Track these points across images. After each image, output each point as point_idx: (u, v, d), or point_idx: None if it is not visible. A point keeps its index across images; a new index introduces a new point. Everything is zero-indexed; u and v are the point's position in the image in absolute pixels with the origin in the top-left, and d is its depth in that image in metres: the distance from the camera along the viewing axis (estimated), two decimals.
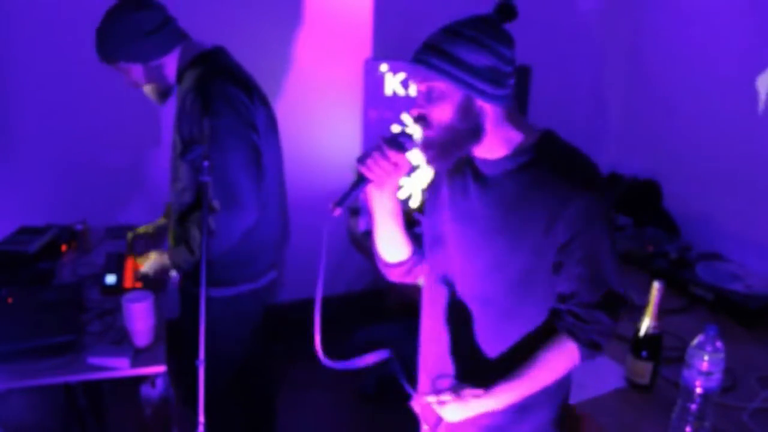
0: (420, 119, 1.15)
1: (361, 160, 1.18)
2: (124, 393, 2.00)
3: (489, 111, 1.13)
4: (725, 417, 1.43)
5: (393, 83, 2.66)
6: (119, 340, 1.68)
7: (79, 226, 2.30)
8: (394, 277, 1.40)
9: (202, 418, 1.55)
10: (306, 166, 3.13)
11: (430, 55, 1.11)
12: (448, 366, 1.30)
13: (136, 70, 1.82)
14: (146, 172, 2.92)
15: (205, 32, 2.54)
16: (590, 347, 1.17)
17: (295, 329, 3.23)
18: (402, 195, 2.79)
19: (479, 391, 1.16)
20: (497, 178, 1.18)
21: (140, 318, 1.65)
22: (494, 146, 1.17)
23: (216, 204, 1.72)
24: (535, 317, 1.20)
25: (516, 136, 1.17)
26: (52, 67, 2.65)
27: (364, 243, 2.77)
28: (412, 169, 2.75)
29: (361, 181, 1.18)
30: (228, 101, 1.73)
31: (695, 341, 1.31)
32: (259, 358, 2.23)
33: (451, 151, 1.15)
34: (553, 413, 1.30)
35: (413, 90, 1.19)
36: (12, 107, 2.65)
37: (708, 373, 1.29)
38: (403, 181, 2.77)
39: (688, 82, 2.86)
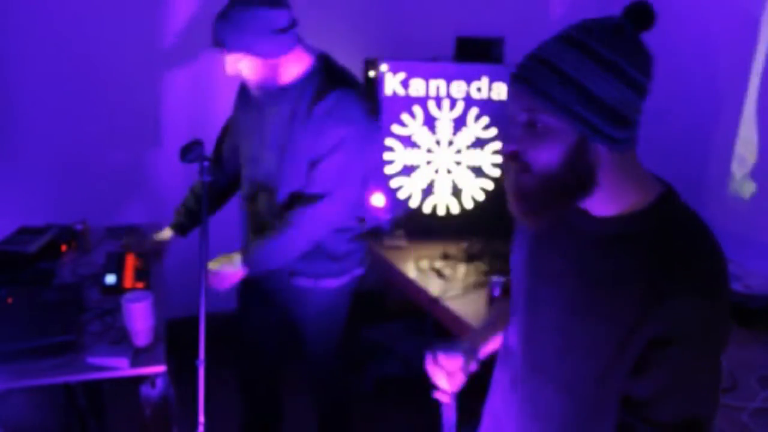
0: (514, 158, 0.89)
1: (431, 389, 1.15)
2: (124, 393, 2.00)
3: (607, 158, 0.87)
4: (725, 417, 1.43)
5: (393, 83, 2.66)
6: (119, 340, 1.68)
7: (79, 226, 2.30)
8: None
9: (202, 418, 1.55)
10: None
11: (545, 75, 0.83)
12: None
13: (253, 63, 1.79)
14: (146, 172, 2.92)
15: (202, 33, 2.54)
16: None
17: None
18: (402, 195, 2.79)
19: None
20: (593, 241, 0.94)
21: (140, 318, 1.64)
22: (604, 202, 0.91)
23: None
24: (606, 418, 0.97)
25: (630, 194, 0.91)
26: (53, 68, 2.65)
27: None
28: (412, 168, 2.75)
29: (448, 409, 1.20)
30: (356, 110, 1.80)
31: None
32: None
33: (550, 206, 0.90)
34: None
35: (507, 109, 0.92)
36: (12, 107, 2.65)
37: None
38: (404, 180, 2.77)
39: (687, 81, 2.86)
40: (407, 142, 2.71)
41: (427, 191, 2.78)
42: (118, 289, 1.93)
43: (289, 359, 2.36)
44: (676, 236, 0.89)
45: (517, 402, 1.10)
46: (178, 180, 2.73)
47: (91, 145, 2.79)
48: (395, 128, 2.69)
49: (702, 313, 0.86)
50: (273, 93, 1.85)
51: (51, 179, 2.76)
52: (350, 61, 3.07)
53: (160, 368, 1.63)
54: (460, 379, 1.18)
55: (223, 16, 1.76)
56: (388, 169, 2.73)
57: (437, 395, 1.19)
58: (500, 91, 2.73)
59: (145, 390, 1.70)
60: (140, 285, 1.94)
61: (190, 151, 1.81)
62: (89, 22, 2.58)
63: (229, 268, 1.88)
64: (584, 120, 0.83)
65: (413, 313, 2.99)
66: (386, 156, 2.71)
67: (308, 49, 1.87)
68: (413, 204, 2.78)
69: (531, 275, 1.05)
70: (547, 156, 0.86)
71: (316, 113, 1.78)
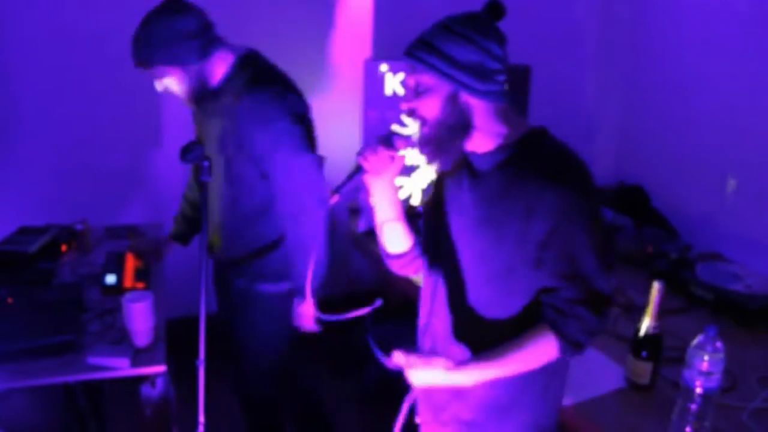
0: (410, 113, 1.19)
1: (361, 151, 1.26)
2: (124, 393, 2.00)
3: (476, 106, 1.15)
4: (725, 417, 1.43)
5: (393, 83, 2.65)
6: (119, 340, 1.68)
7: (79, 226, 2.30)
8: (395, 268, 1.44)
9: (202, 418, 1.56)
10: None
11: (420, 49, 1.14)
12: (440, 354, 1.32)
13: (174, 73, 1.80)
14: (146, 172, 2.92)
15: None
16: (570, 344, 1.16)
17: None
18: (402, 194, 2.79)
19: (450, 363, 1.18)
20: (486, 172, 1.20)
21: (140, 318, 1.65)
22: (483, 141, 1.19)
23: (308, 205, 1.81)
24: (519, 311, 1.21)
25: (505, 132, 1.18)
26: (53, 68, 2.65)
27: (364, 243, 2.77)
28: (412, 168, 2.75)
29: (358, 170, 1.27)
30: (286, 105, 1.78)
31: (695, 341, 1.32)
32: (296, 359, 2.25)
33: (444, 147, 1.18)
34: (538, 417, 1.29)
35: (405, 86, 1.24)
36: (12, 107, 2.65)
37: (708, 373, 1.29)
38: (404, 180, 2.77)
39: (687, 81, 2.86)
40: (407, 142, 2.71)
41: (428, 191, 2.78)
42: (118, 289, 1.93)
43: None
44: (546, 150, 1.17)
45: (442, 318, 1.33)
46: (178, 180, 2.73)
47: (91, 145, 2.79)
48: (395, 128, 2.69)
49: (569, 201, 1.11)
50: (206, 98, 1.85)
51: (51, 179, 2.76)
52: (350, 61, 3.09)
53: (160, 368, 1.63)
54: (384, 165, 1.27)
55: (135, 36, 1.77)
56: None
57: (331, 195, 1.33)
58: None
59: (145, 390, 1.70)
60: (140, 285, 1.94)
61: (190, 151, 1.80)
62: (90, 22, 2.58)
63: (302, 309, 1.92)
64: (450, 76, 1.12)
65: (413, 313, 2.99)
66: None
67: (232, 49, 1.85)
68: (413, 204, 2.78)
69: (443, 215, 1.29)
70: (429, 107, 1.15)
71: (240, 114, 1.77)
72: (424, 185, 1.43)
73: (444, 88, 1.13)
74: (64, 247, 2.26)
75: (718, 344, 1.29)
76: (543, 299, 1.18)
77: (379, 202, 1.33)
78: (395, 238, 1.37)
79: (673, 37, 2.94)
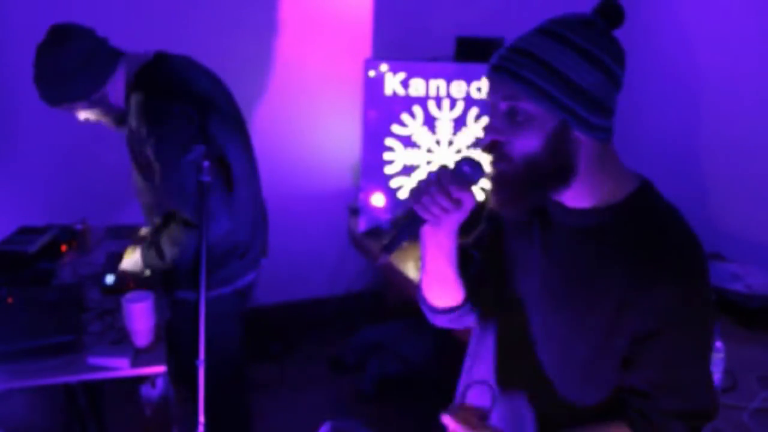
0: (494, 148, 0.89)
1: (416, 195, 0.91)
2: (124, 393, 2.00)
3: (586, 145, 0.88)
4: (725, 417, 1.43)
5: (393, 83, 2.65)
6: (119, 340, 1.68)
7: (79, 226, 2.30)
8: (440, 323, 1.18)
9: (202, 418, 1.55)
10: (305, 166, 3.13)
11: (522, 63, 0.84)
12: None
13: (82, 107, 1.76)
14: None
15: (203, 32, 2.55)
16: None
17: (294, 329, 3.24)
18: (402, 195, 2.79)
19: None
20: (570, 232, 0.95)
21: (140, 318, 1.64)
22: (580, 192, 0.92)
23: (192, 220, 1.69)
24: (597, 407, 0.98)
25: (607, 184, 0.91)
26: None
27: (364, 243, 2.77)
28: (413, 168, 2.75)
29: (415, 222, 0.94)
30: (168, 120, 1.67)
31: None
32: (237, 360, 2.21)
33: (529, 194, 0.90)
34: None
35: (486, 99, 0.91)
36: (12, 107, 2.65)
37: None
38: (403, 180, 2.77)
39: (687, 82, 2.86)
40: (407, 142, 2.71)
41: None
42: (118, 289, 1.93)
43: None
44: (651, 227, 0.90)
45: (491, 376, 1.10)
46: None
47: (91, 145, 2.78)
48: (395, 128, 2.69)
49: (683, 303, 0.87)
50: (123, 115, 1.79)
51: (51, 179, 2.76)
52: (350, 61, 3.09)
53: (160, 368, 1.62)
54: (446, 210, 0.93)
55: (33, 80, 1.70)
56: (388, 169, 2.73)
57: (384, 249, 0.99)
58: None
59: (145, 390, 1.70)
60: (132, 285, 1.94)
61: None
62: (90, 22, 2.57)
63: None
64: (564, 105, 0.84)
65: (413, 313, 2.99)
66: (386, 156, 2.71)
67: (131, 61, 1.76)
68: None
69: (510, 264, 1.06)
70: (529, 143, 0.86)
71: (133, 130, 1.74)
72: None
73: (551, 119, 0.85)
74: (64, 247, 2.26)
75: (718, 344, 1.29)
76: (629, 400, 0.95)
77: (434, 253, 1.03)
78: (446, 292, 1.09)
79: (672, 36, 2.94)
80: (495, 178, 0.91)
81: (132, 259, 1.93)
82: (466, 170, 0.90)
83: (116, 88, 1.75)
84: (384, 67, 2.65)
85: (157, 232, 1.84)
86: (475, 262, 1.12)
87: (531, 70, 0.84)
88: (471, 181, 0.91)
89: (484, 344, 1.15)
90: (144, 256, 1.87)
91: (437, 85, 2.68)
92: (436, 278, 1.08)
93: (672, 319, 0.88)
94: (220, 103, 1.86)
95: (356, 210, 2.86)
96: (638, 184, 0.94)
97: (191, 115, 1.69)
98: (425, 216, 0.92)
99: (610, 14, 0.87)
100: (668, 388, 0.92)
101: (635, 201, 0.92)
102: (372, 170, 2.71)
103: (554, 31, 0.86)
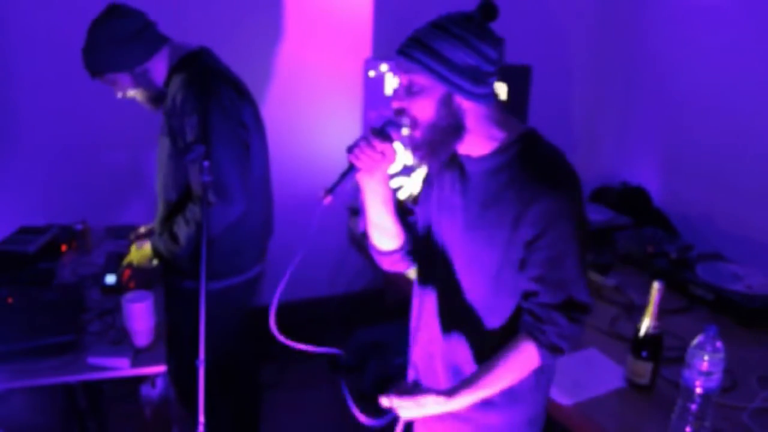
0: (400, 112, 1.17)
1: (350, 149, 1.21)
2: (124, 393, 2.00)
3: (469, 109, 1.14)
4: (725, 417, 1.43)
5: (393, 83, 2.65)
6: (119, 340, 1.68)
7: (79, 226, 2.30)
8: (386, 265, 1.43)
9: (202, 418, 1.55)
10: (305, 165, 3.13)
11: (414, 48, 1.12)
12: (435, 356, 1.35)
13: (124, 79, 1.84)
14: (146, 172, 2.92)
15: (204, 32, 2.54)
16: (549, 349, 1.17)
17: (294, 329, 3.23)
18: (402, 195, 2.79)
19: (440, 399, 1.15)
20: (478, 175, 1.21)
21: (140, 318, 1.65)
22: (477, 144, 1.19)
23: (212, 198, 1.75)
24: (510, 313, 1.22)
25: (498, 135, 1.18)
26: (53, 67, 2.65)
27: (364, 243, 2.76)
28: (411, 168, 2.75)
29: (350, 169, 1.22)
30: (217, 99, 1.77)
31: (695, 341, 1.31)
32: (245, 356, 2.23)
33: (437, 149, 1.17)
34: (530, 409, 1.31)
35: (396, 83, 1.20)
36: (13, 107, 2.65)
37: (708, 373, 1.29)
38: (403, 180, 2.77)
39: (688, 82, 2.86)
40: (407, 142, 2.71)
41: (422, 190, 2.78)
42: (118, 289, 1.93)
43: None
44: (534, 158, 1.16)
45: (433, 319, 1.33)
46: None
47: (91, 145, 2.79)
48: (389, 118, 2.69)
49: (559, 209, 1.12)
50: (161, 99, 1.89)
51: (51, 179, 2.76)
52: (350, 61, 3.09)
53: (160, 368, 1.62)
54: (376, 161, 1.20)
55: (82, 51, 1.80)
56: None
57: (324, 195, 1.26)
58: (500, 91, 2.73)
59: (145, 390, 1.70)
60: (132, 285, 1.94)
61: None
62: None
63: None
64: (445, 78, 1.10)
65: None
66: None
67: (177, 48, 1.88)
68: (401, 199, 2.78)
69: (435, 212, 1.30)
70: (422, 108, 1.14)
71: (175, 111, 1.79)
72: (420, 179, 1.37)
73: (438, 89, 1.12)
74: (64, 247, 2.26)
75: (718, 344, 1.29)
76: (522, 304, 1.20)
77: (371, 199, 1.30)
78: (387, 235, 1.36)
79: (672, 36, 2.94)
80: (411, 142, 1.18)
81: (142, 252, 1.96)
82: (387, 129, 1.18)
83: (160, 67, 1.86)
84: (384, 67, 2.65)
85: (168, 218, 1.87)
86: (411, 213, 1.40)
87: (420, 52, 1.11)
88: (390, 138, 1.18)
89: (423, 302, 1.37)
90: (155, 243, 1.91)
91: None
92: (376, 222, 1.34)
93: (550, 224, 1.12)
94: (251, 97, 1.98)
95: (356, 210, 2.86)
96: (524, 130, 1.20)
97: (232, 97, 1.81)
98: (358, 164, 1.20)
99: (487, 11, 1.12)
100: (548, 282, 1.15)
101: (522, 141, 1.18)
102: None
103: (440, 23, 1.12)
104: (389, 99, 2.85)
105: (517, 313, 1.22)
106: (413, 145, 1.19)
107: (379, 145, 1.18)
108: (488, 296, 1.22)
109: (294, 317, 3.35)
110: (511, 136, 1.19)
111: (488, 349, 1.23)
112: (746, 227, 2.54)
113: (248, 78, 2.05)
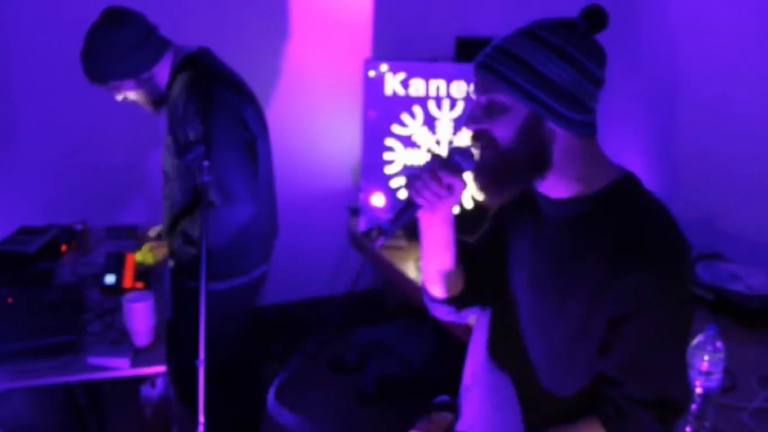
0: (476, 137, 0.97)
1: (410, 181, 0.98)
2: (124, 393, 2.00)
3: (561, 137, 0.93)
4: (725, 417, 1.43)
5: (393, 83, 2.65)
6: (119, 340, 1.68)
7: (79, 226, 2.31)
8: (440, 314, 1.21)
9: (202, 418, 1.55)
10: (306, 166, 3.13)
11: (498, 60, 0.92)
12: (484, 411, 1.16)
13: (129, 86, 1.84)
14: (146, 172, 2.92)
15: (204, 33, 2.54)
16: None
17: (294, 329, 3.24)
18: (402, 195, 2.79)
19: None
20: (555, 223, 1.00)
21: (140, 318, 1.64)
22: (560, 183, 0.97)
23: (215, 201, 1.74)
24: (577, 391, 1.01)
25: (588, 176, 0.96)
26: (53, 67, 2.65)
27: (364, 243, 2.77)
28: (413, 168, 2.75)
29: (410, 206, 1.00)
30: (219, 101, 1.76)
31: (695, 341, 1.31)
32: (248, 356, 2.24)
33: (506, 180, 0.96)
34: None
35: (471, 95, 1.03)
36: (13, 107, 2.65)
37: (708, 373, 1.29)
38: (403, 180, 2.76)
39: (689, 82, 2.86)
40: (407, 142, 2.71)
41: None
42: (118, 289, 1.93)
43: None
44: (630, 214, 0.93)
45: (490, 381, 1.13)
46: None
47: (91, 145, 2.79)
48: (395, 128, 2.69)
49: (657, 288, 0.89)
50: (163, 102, 1.89)
51: (51, 179, 2.76)
52: (350, 61, 3.09)
53: (160, 368, 1.62)
54: (440, 196, 0.99)
55: (83, 56, 1.79)
56: (388, 169, 2.73)
57: (384, 223, 1.09)
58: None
59: (145, 390, 1.70)
60: (140, 285, 1.94)
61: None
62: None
63: None
64: (534, 97, 0.90)
65: (413, 313, 2.99)
66: (386, 156, 2.71)
67: (178, 50, 1.88)
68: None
69: (508, 260, 1.12)
70: (503, 132, 0.93)
71: (178, 113, 1.78)
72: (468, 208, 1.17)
73: (524, 109, 0.92)
74: (64, 247, 2.26)
75: (718, 344, 1.29)
76: (601, 390, 0.97)
77: (431, 240, 1.09)
78: (445, 282, 1.14)
79: (671, 35, 2.94)
80: (478, 164, 0.98)
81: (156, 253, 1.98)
82: (456, 158, 0.97)
83: (163, 71, 1.85)
84: (384, 67, 2.65)
85: (180, 217, 1.87)
86: (474, 257, 1.16)
87: (504, 64, 0.91)
88: (460, 169, 0.97)
89: (477, 335, 1.19)
90: (169, 243, 1.90)
91: (437, 85, 2.68)
92: (434, 266, 1.12)
93: (645, 304, 0.90)
94: (253, 98, 1.97)
95: (356, 210, 2.86)
96: (621, 175, 0.98)
97: (234, 99, 1.80)
98: (419, 201, 0.98)
99: (593, 18, 0.92)
100: (637, 374, 0.93)
101: (616, 190, 0.96)
102: (372, 170, 2.71)
103: (531, 30, 0.93)
104: (389, 99, 2.86)
105: (584, 394, 1.00)
106: (477, 170, 0.98)
107: (447, 177, 0.96)
108: (557, 372, 1.02)
109: (294, 317, 3.36)
110: (603, 180, 0.96)
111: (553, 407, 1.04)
112: (746, 227, 2.54)
113: (248, 78, 2.05)
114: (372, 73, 2.67)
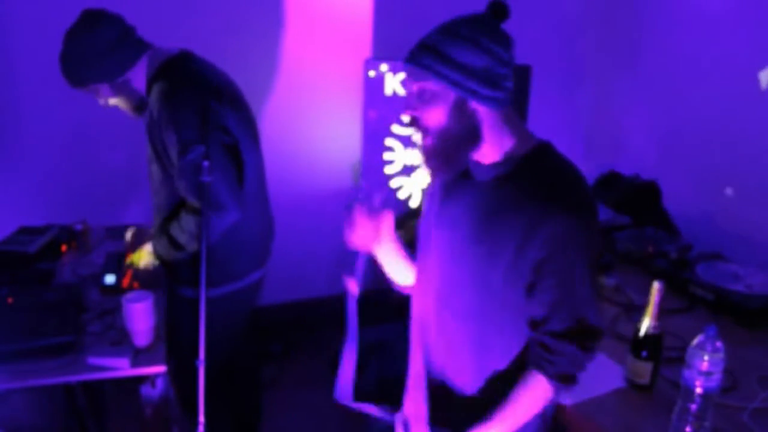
0: (413, 122, 1.12)
1: (347, 237, 1.23)
2: (124, 393, 2.00)
3: (484, 113, 1.09)
4: (725, 417, 1.43)
5: (393, 83, 2.65)
6: (119, 340, 1.68)
7: (79, 226, 2.30)
8: (407, 293, 1.44)
9: (202, 418, 1.56)
10: (306, 166, 3.13)
11: (423, 54, 1.07)
12: (422, 391, 1.31)
13: (104, 89, 1.81)
14: (146, 172, 2.92)
15: (204, 33, 2.55)
16: (561, 380, 1.12)
17: (294, 329, 3.24)
18: (402, 195, 2.79)
19: None
20: (484, 185, 1.14)
21: (140, 318, 1.64)
22: (487, 151, 1.13)
23: (195, 204, 1.71)
24: (513, 343, 1.17)
25: (509, 143, 1.12)
26: (53, 67, 2.64)
27: None
28: (412, 168, 2.75)
29: (357, 256, 1.24)
30: (193, 108, 1.72)
31: (695, 341, 1.31)
32: (246, 360, 2.22)
33: (451, 159, 1.11)
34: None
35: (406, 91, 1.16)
36: (13, 107, 2.65)
37: (708, 373, 1.29)
38: (404, 180, 2.77)
39: (689, 81, 2.86)
40: (407, 142, 2.72)
41: (426, 197, 2.78)
42: (117, 289, 1.93)
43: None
44: (549, 168, 1.10)
45: (431, 338, 1.28)
46: None
47: (91, 145, 2.79)
48: (395, 128, 2.69)
49: (569, 230, 1.05)
50: (144, 107, 1.85)
51: (51, 179, 2.76)
52: (350, 61, 3.09)
53: (160, 368, 1.62)
54: (374, 238, 1.28)
55: (60, 60, 1.78)
56: (388, 169, 2.73)
57: (349, 285, 1.37)
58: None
59: (145, 390, 1.70)
60: (137, 285, 1.94)
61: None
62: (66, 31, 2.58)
63: None
64: (456, 82, 1.05)
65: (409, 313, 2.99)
66: (386, 156, 2.71)
67: (158, 53, 1.83)
68: (413, 204, 2.78)
69: (436, 226, 1.24)
70: (435, 116, 1.08)
71: (153, 115, 1.76)
72: (424, 186, 1.35)
73: (450, 95, 1.06)
74: (64, 247, 2.26)
75: (718, 344, 1.29)
76: (530, 335, 1.14)
77: (384, 257, 1.35)
78: (402, 275, 1.40)
79: (672, 35, 2.94)
80: (423, 152, 1.13)
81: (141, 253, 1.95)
82: (353, 203, 1.19)
83: (140, 75, 1.82)
84: (384, 67, 2.65)
85: (167, 221, 1.86)
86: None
87: (429, 57, 1.06)
88: (367, 206, 1.21)
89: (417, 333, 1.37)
90: (155, 245, 1.89)
91: None
92: (392, 268, 1.38)
93: (561, 246, 1.05)
94: (237, 102, 1.91)
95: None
96: (538, 142, 1.14)
97: (210, 105, 1.75)
98: (357, 247, 1.25)
99: (497, 11, 1.08)
100: (558, 307, 1.08)
101: (537, 153, 1.12)
102: (372, 170, 2.71)
103: (447, 26, 1.08)
104: (389, 99, 2.87)
105: (518, 349, 1.17)
106: (425, 155, 1.13)
107: (362, 220, 1.22)
108: (492, 316, 1.15)
109: (294, 317, 3.36)
110: (524, 146, 1.12)
111: (492, 372, 1.18)
112: (746, 227, 2.54)
113: (248, 79, 2.05)
114: (372, 73, 2.67)
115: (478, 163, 1.15)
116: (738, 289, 1.97)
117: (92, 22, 1.75)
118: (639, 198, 2.83)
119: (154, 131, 1.77)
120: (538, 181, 1.08)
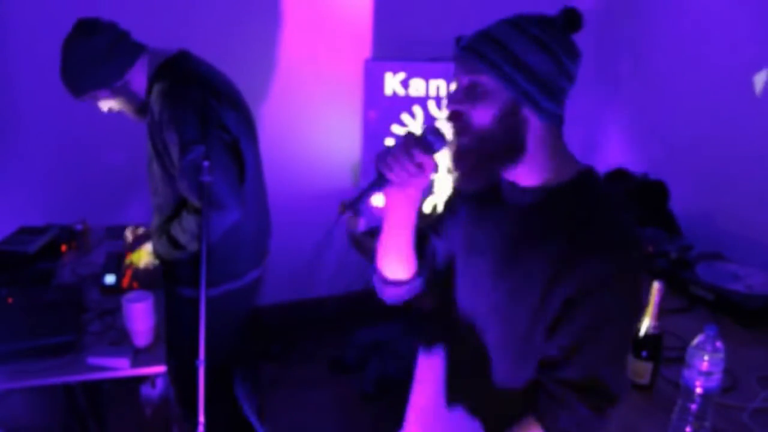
0: (453, 117, 0.99)
1: (381, 157, 0.99)
2: (124, 393, 2.00)
3: (534, 125, 0.96)
4: (725, 417, 1.43)
5: (393, 83, 2.65)
6: (119, 340, 1.68)
7: (79, 226, 2.30)
8: (388, 296, 1.22)
9: (202, 418, 1.56)
10: (306, 166, 3.13)
11: (484, 44, 0.95)
12: (435, 418, 1.18)
13: (105, 95, 1.83)
14: (146, 172, 2.93)
15: (204, 33, 2.55)
16: None
17: (294, 329, 3.24)
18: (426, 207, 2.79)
19: None
20: (517, 210, 1.02)
21: (140, 318, 1.64)
22: (526, 171, 1.00)
23: (197, 204, 1.72)
24: (526, 391, 1.02)
25: (552, 166, 0.99)
26: (53, 68, 2.64)
27: (364, 243, 2.77)
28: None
29: (380, 181, 1.00)
30: (193, 107, 1.73)
31: (695, 341, 1.31)
32: (245, 359, 2.23)
33: (484, 166, 0.98)
34: None
35: (452, 86, 1.02)
36: (13, 107, 2.65)
37: (708, 373, 1.29)
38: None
39: (690, 81, 2.86)
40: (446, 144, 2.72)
41: (427, 191, 2.78)
42: (117, 289, 1.93)
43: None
44: (591, 204, 0.97)
45: (445, 366, 1.14)
46: None
47: (91, 145, 2.79)
48: (395, 128, 2.69)
49: (607, 275, 0.92)
50: (145, 109, 1.86)
51: (51, 179, 2.76)
52: (350, 61, 3.09)
53: (160, 368, 1.62)
54: (414, 173, 1.00)
55: (60, 72, 1.81)
56: None
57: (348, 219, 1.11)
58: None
59: (145, 390, 1.70)
60: (136, 285, 1.94)
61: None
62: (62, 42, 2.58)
63: None
64: (515, 81, 0.93)
65: (413, 313, 2.99)
66: None
67: (155, 55, 1.84)
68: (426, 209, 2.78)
69: (459, 253, 1.12)
70: (484, 115, 0.95)
71: (159, 121, 1.76)
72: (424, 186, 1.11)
73: (504, 95, 0.94)
74: (64, 247, 2.26)
75: (718, 344, 1.29)
76: (539, 377, 0.99)
77: (393, 220, 1.09)
78: (398, 263, 1.15)
79: (673, 34, 2.94)
80: (455, 151, 0.99)
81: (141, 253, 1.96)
82: (429, 137, 0.99)
83: (138, 78, 1.83)
84: (384, 67, 2.65)
85: (167, 221, 1.86)
86: (430, 243, 1.19)
87: (490, 48, 0.94)
88: (432, 149, 0.99)
89: (429, 363, 1.20)
90: (155, 245, 1.89)
91: (437, 85, 2.68)
92: (392, 247, 1.13)
93: (598, 287, 0.92)
94: (236, 102, 1.92)
95: (356, 210, 2.87)
96: (583, 168, 1.02)
97: (210, 104, 1.76)
98: (390, 176, 0.99)
99: (570, 19, 0.97)
100: (577, 354, 0.94)
101: (579, 181, 1.00)
102: (372, 170, 2.71)
103: (515, 21, 0.96)
104: (389, 99, 2.86)
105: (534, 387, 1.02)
106: (456, 156, 0.99)
107: (419, 155, 0.98)
108: (514, 363, 1.02)
109: (294, 317, 3.36)
110: (567, 172, 1.00)
111: (509, 416, 1.03)
112: (746, 227, 2.54)
113: (248, 79, 2.05)
114: (372, 73, 2.67)
115: (513, 185, 1.03)
116: (738, 289, 1.97)
117: (86, 30, 1.77)
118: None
119: (155, 131, 1.78)
120: (580, 213, 0.96)
